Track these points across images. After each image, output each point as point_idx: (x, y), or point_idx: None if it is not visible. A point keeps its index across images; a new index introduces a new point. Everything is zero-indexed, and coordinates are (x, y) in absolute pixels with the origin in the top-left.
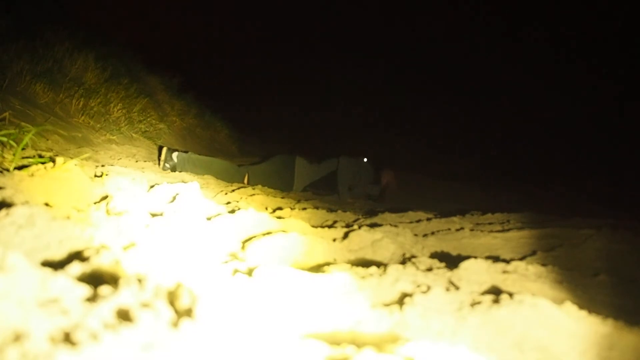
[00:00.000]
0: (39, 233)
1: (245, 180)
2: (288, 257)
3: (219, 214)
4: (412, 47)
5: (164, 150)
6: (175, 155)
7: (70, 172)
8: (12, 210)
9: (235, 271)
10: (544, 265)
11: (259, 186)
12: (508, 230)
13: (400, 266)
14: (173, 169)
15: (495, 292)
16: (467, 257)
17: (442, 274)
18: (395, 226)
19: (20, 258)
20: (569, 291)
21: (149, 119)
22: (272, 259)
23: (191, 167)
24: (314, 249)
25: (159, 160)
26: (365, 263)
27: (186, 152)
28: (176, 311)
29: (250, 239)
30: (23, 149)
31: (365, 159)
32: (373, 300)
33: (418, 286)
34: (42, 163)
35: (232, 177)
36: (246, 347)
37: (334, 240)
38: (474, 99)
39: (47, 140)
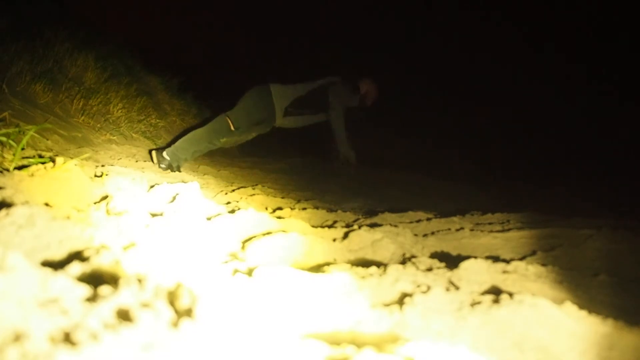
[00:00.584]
0: (39, 233)
1: (232, 127)
2: (288, 257)
3: (219, 214)
4: (411, 47)
5: (154, 153)
6: (165, 153)
7: (70, 172)
8: (12, 210)
9: (235, 271)
10: (544, 265)
11: (259, 186)
12: (508, 230)
13: (400, 266)
14: (170, 167)
15: (495, 292)
16: (467, 257)
17: (442, 274)
18: (395, 226)
19: (20, 258)
20: (569, 291)
21: (149, 119)
22: (272, 259)
23: (183, 153)
24: (314, 249)
25: (153, 163)
26: (365, 263)
27: (170, 144)
28: (176, 311)
29: (250, 239)
30: (23, 149)
31: (340, 77)
32: (373, 300)
33: (418, 286)
34: (42, 163)
35: (220, 134)
36: (246, 347)
37: (334, 240)
38: (474, 99)
39: (47, 140)
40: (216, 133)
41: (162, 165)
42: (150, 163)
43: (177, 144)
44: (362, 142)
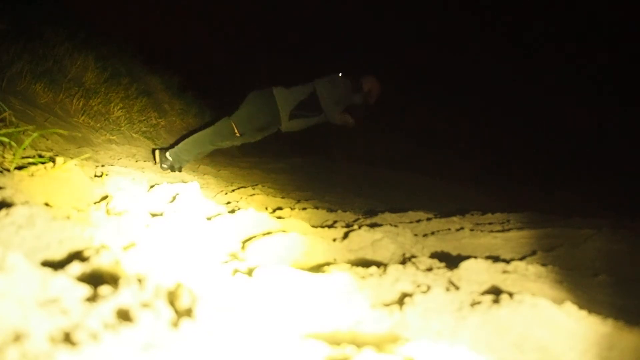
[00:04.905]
0: (39, 233)
1: (236, 132)
2: (288, 257)
3: (219, 214)
4: (411, 47)
5: (157, 152)
6: (168, 153)
7: (70, 172)
8: (12, 210)
9: (235, 271)
10: (544, 265)
11: (259, 186)
12: (508, 230)
13: (400, 266)
14: (172, 168)
15: (495, 292)
16: (467, 257)
17: (442, 274)
18: (395, 226)
19: (20, 258)
20: (569, 291)
21: (149, 119)
22: (272, 258)
23: (186, 155)
24: (314, 249)
25: (155, 163)
26: (365, 263)
27: (173, 145)
28: (176, 311)
29: (250, 239)
30: (24, 149)
31: (340, 74)
32: (373, 300)
33: (418, 286)
34: (42, 163)
35: (223, 138)
36: (246, 347)
37: (334, 240)
38: (474, 99)
39: (47, 140)
40: (220, 136)
41: (164, 166)
42: (150, 163)
43: (180, 145)
44: (363, 142)
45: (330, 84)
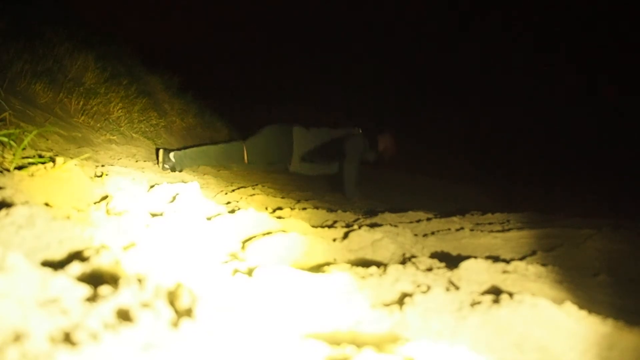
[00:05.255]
0: (39, 233)
1: (245, 159)
2: (288, 257)
3: (219, 214)
4: (411, 47)
5: (161, 152)
6: (172, 155)
7: (70, 172)
8: (12, 210)
9: (235, 271)
10: (544, 265)
11: (259, 186)
12: (508, 230)
13: (400, 266)
14: (173, 169)
15: (495, 292)
16: (467, 257)
17: (442, 274)
18: (395, 226)
19: (20, 258)
20: (569, 291)
21: (149, 119)
22: (272, 258)
23: (189, 162)
24: (314, 249)
25: (158, 162)
26: (365, 263)
27: (180, 149)
28: (176, 311)
29: (250, 239)
30: (23, 149)
31: (360, 130)
32: (373, 300)
33: (418, 286)
34: (42, 163)
35: (231, 160)
36: (246, 347)
37: (334, 240)
38: (474, 99)
39: (47, 140)
40: (228, 158)
41: (166, 166)
42: (151, 163)
43: (187, 151)
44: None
45: (359, 144)
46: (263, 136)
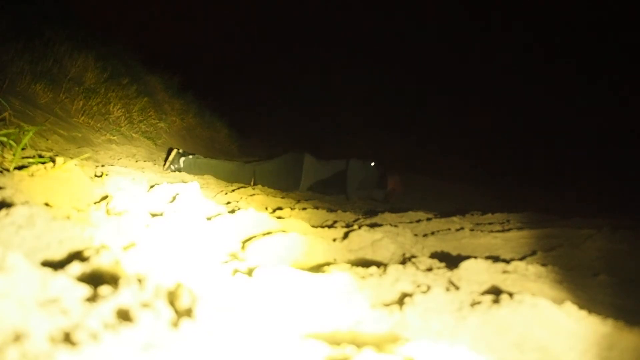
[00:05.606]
0: (39, 233)
1: (252, 182)
2: (288, 257)
3: (219, 214)
4: (411, 47)
5: (174, 152)
6: (182, 160)
7: (70, 172)
8: (12, 210)
9: (235, 271)
10: (544, 265)
11: (259, 186)
12: (508, 230)
13: (400, 266)
14: (178, 170)
15: (495, 292)
16: (467, 257)
17: (442, 274)
18: (395, 226)
19: (20, 258)
20: (569, 291)
21: (149, 119)
22: (272, 258)
23: (196, 170)
24: (314, 249)
25: (165, 161)
26: (365, 263)
27: (193, 154)
28: (176, 311)
29: (250, 239)
30: (23, 149)
31: (372, 163)
32: (373, 300)
33: (418, 286)
34: (42, 163)
35: (237, 178)
36: (246, 347)
37: (334, 240)
38: (474, 100)
39: (47, 140)
40: (236, 176)
41: (172, 167)
42: (150, 163)
43: (198, 160)
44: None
45: (362, 170)
46: (275, 164)
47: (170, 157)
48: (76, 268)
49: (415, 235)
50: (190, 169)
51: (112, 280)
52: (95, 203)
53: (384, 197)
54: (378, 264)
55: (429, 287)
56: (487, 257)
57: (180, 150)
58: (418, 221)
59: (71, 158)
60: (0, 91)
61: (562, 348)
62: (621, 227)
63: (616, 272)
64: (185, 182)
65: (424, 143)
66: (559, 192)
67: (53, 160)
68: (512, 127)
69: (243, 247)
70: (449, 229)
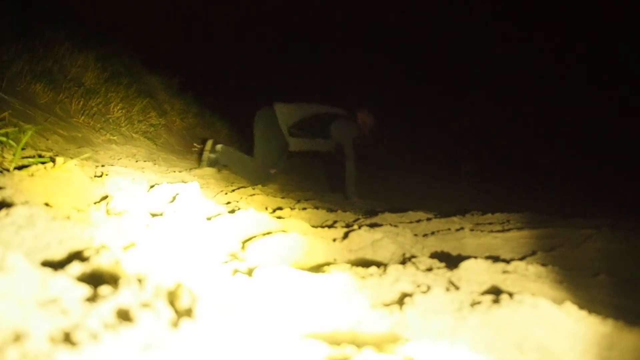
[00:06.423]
0: (39, 233)
1: (269, 168)
2: (288, 257)
3: (219, 214)
4: (411, 46)
5: (209, 142)
6: (219, 146)
7: (70, 172)
8: (12, 210)
9: (235, 271)
10: (544, 265)
11: (259, 186)
12: (508, 230)
13: (400, 266)
14: (212, 163)
15: (495, 292)
16: (467, 257)
17: (442, 274)
18: (395, 226)
19: (20, 258)
20: (569, 291)
21: (149, 119)
22: (272, 258)
23: (228, 161)
24: (314, 249)
25: (202, 151)
26: (365, 263)
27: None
28: (176, 311)
29: (250, 239)
30: (23, 148)
31: (345, 113)
32: (373, 300)
33: (418, 286)
34: (42, 163)
35: (261, 179)
36: (246, 347)
37: (334, 240)
38: (474, 100)
39: (47, 140)
40: (259, 179)
41: (211, 155)
42: (150, 163)
43: (235, 153)
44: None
45: (348, 129)
46: (258, 140)
47: (207, 146)
48: (76, 268)
49: (415, 235)
50: (224, 158)
51: (112, 280)
52: (95, 203)
53: (360, 136)
54: (378, 264)
55: (429, 287)
56: (487, 257)
57: (215, 140)
58: (418, 221)
59: (71, 158)
60: (0, 91)
61: (562, 348)
62: (621, 227)
63: (616, 272)
64: (185, 182)
65: (424, 143)
66: (558, 192)
67: (53, 160)
68: (513, 127)
69: (243, 247)
70: (449, 229)
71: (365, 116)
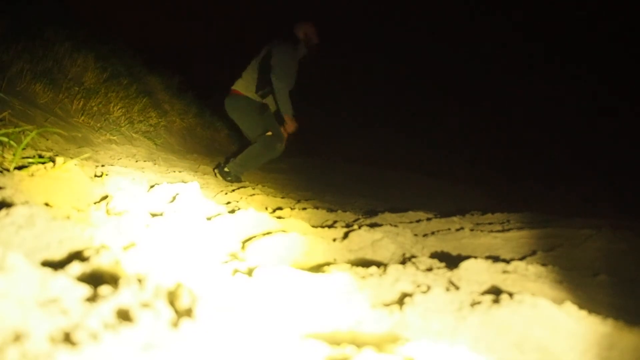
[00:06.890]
0: (39, 233)
1: (268, 133)
2: (288, 257)
3: (219, 214)
4: (412, 47)
5: (216, 172)
6: (226, 168)
7: (70, 172)
8: (12, 210)
9: (235, 271)
10: (544, 265)
11: (259, 186)
12: (508, 230)
13: (400, 266)
14: (236, 180)
15: (495, 292)
16: (467, 257)
17: (442, 274)
18: (395, 226)
19: (20, 258)
20: (569, 291)
21: (149, 119)
22: (272, 258)
23: (243, 166)
24: (314, 249)
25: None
26: (365, 263)
27: (228, 160)
28: (176, 311)
29: (250, 239)
30: (23, 149)
31: (275, 39)
32: (373, 300)
33: (418, 286)
34: (42, 163)
35: (270, 152)
36: (246, 347)
37: (334, 240)
38: (474, 99)
39: (47, 140)
40: (267, 148)
41: (228, 178)
42: (150, 163)
43: (238, 158)
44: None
45: (283, 48)
46: (239, 121)
47: (218, 177)
48: (76, 268)
49: (415, 235)
50: (236, 168)
51: (112, 280)
52: (95, 203)
53: (306, 49)
54: (378, 264)
55: (429, 287)
56: (487, 257)
57: (217, 165)
58: (418, 221)
59: (71, 158)
60: (0, 91)
61: (562, 348)
62: (621, 227)
63: (616, 272)
64: (185, 182)
65: (424, 143)
66: (558, 191)
67: (53, 160)
68: (513, 127)
69: (243, 247)
70: (449, 229)
71: (306, 29)
